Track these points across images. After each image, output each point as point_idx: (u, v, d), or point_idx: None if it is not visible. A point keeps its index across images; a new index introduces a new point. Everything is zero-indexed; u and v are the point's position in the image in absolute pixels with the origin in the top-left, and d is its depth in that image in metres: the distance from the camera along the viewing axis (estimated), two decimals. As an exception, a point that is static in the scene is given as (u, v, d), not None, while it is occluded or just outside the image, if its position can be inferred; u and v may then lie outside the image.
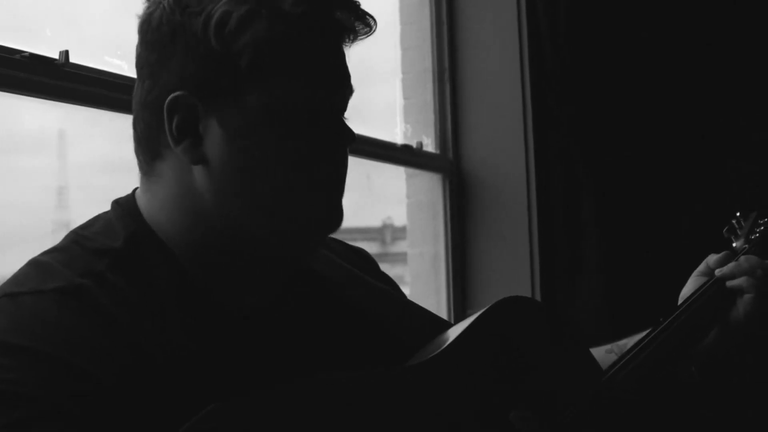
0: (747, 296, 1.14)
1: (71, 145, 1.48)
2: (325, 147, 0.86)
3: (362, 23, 0.88)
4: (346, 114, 0.91)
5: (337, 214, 0.88)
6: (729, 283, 1.16)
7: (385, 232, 2.46)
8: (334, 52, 0.88)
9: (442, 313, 2.31)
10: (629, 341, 1.13)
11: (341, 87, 0.89)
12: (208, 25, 0.81)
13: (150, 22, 0.85)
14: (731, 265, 1.17)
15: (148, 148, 0.86)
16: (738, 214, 1.35)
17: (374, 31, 0.89)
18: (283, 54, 0.83)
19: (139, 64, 0.87)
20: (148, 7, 0.86)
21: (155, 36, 0.84)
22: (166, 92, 0.83)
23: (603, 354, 1.16)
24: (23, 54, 1.27)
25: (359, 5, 0.88)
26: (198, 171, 0.83)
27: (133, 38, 0.89)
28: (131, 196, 0.90)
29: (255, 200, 0.84)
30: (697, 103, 2.52)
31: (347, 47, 0.89)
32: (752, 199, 1.43)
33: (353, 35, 0.88)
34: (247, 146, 0.83)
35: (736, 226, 1.33)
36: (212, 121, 0.83)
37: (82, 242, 0.84)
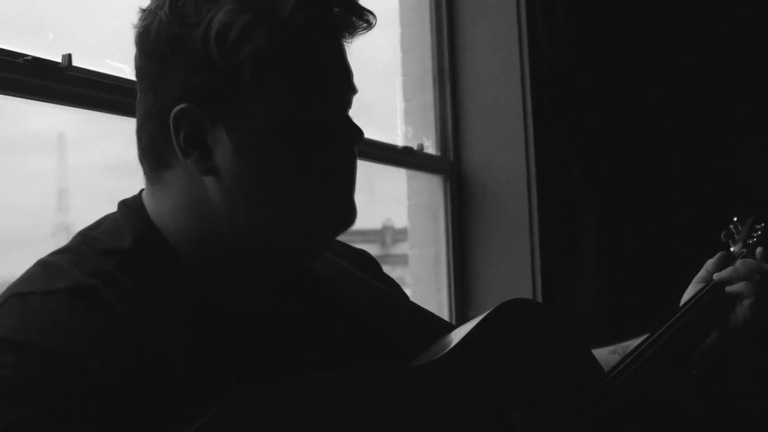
0: (746, 301, 1.15)
1: (72, 148, 1.48)
2: (332, 150, 0.86)
3: (361, 19, 0.86)
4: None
5: (350, 213, 0.88)
6: (728, 289, 1.17)
7: (386, 234, 2.46)
8: (334, 54, 0.87)
9: (443, 314, 2.30)
10: (633, 343, 1.14)
11: (344, 88, 0.88)
12: (209, 36, 0.80)
13: (148, 33, 0.84)
14: (729, 270, 1.19)
15: (154, 158, 0.86)
16: (735, 219, 1.36)
17: (374, 25, 0.88)
18: (285, 63, 0.82)
19: (140, 75, 0.86)
20: (144, 18, 0.85)
21: (154, 47, 0.83)
22: (171, 104, 0.82)
23: (607, 355, 1.17)
24: (26, 57, 1.27)
25: (356, 1, 0.86)
26: (209, 181, 0.83)
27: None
28: (138, 197, 0.90)
29: (266, 208, 0.84)
30: (697, 106, 2.53)
31: (347, 44, 0.88)
32: (749, 204, 1.44)
33: (352, 32, 0.87)
34: (255, 156, 0.82)
35: (734, 230, 1.34)
36: (220, 132, 0.82)
37: (90, 243, 0.84)
